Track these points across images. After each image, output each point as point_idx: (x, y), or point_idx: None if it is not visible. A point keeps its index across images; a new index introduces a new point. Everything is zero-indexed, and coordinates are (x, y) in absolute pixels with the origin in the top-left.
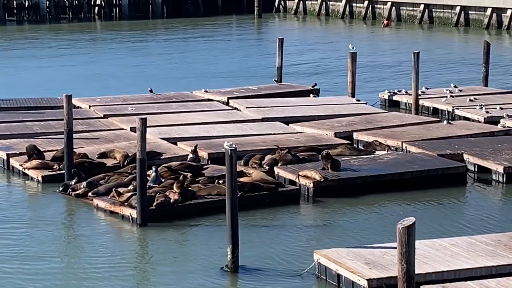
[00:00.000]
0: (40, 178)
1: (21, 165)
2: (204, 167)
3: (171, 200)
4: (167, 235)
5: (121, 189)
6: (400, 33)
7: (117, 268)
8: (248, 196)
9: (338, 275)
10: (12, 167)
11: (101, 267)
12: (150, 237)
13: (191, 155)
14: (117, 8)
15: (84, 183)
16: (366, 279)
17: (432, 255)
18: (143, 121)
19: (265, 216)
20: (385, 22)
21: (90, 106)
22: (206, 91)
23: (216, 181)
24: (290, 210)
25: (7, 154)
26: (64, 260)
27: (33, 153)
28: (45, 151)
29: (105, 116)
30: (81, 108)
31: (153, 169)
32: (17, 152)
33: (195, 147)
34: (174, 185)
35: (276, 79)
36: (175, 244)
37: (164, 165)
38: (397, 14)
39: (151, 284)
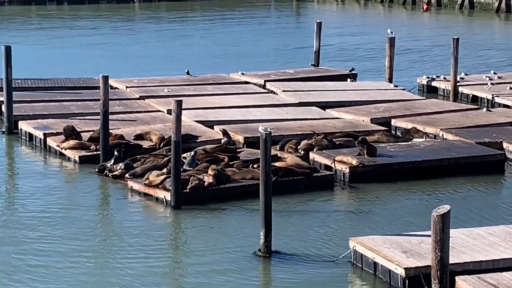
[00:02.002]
0: (77, 158)
1: (58, 145)
2: (238, 150)
3: (205, 183)
4: (200, 218)
5: (154, 173)
6: (440, 18)
7: (150, 251)
8: (282, 181)
9: (375, 263)
10: (49, 146)
11: (134, 249)
12: (184, 220)
13: (225, 139)
14: None
15: (121, 164)
16: (404, 268)
17: (470, 244)
18: (179, 103)
19: (299, 201)
20: (425, 7)
21: (126, 87)
22: (243, 74)
23: (250, 165)
24: (324, 196)
25: (44, 134)
26: (97, 242)
27: (71, 133)
28: (82, 132)
29: (141, 98)
30: (118, 89)
31: (192, 152)
32: (54, 132)
33: (225, 130)
34: (209, 168)
35: (313, 63)
36: (208, 228)
37: (199, 148)
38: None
39: (184, 267)
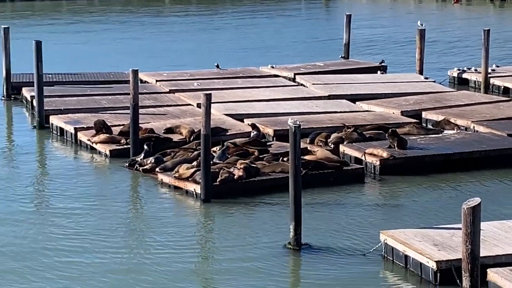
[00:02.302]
0: (108, 152)
1: (88, 139)
2: (268, 143)
3: (235, 177)
4: (230, 211)
5: (184, 166)
6: (471, 10)
7: (180, 244)
8: (312, 174)
9: (406, 256)
10: (80, 141)
11: (164, 243)
12: (213, 213)
13: (254, 132)
14: None
15: (152, 158)
16: (435, 261)
17: (502, 237)
18: (208, 97)
19: (329, 195)
20: None
21: (156, 81)
22: (273, 67)
23: (280, 159)
24: (354, 189)
25: (75, 128)
26: (127, 235)
27: (102, 127)
28: (112, 126)
29: (171, 91)
30: (148, 82)
31: (222, 145)
32: (85, 126)
33: (253, 124)
34: (238, 162)
35: (343, 56)
36: (238, 221)
37: (229, 141)
38: None
39: (213, 260)
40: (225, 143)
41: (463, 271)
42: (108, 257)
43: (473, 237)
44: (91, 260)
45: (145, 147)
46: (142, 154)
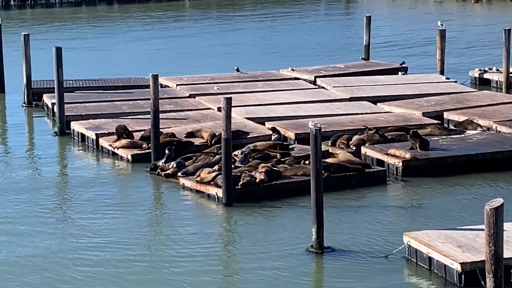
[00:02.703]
0: (129, 157)
1: (110, 145)
2: (290, 147)
3: (257, 180)
4: (252, 215)
5: (206, 170)
6: (491, 10)
7: (202, 247)
8: (334, 177)
9: (430, 258)
10: (102, 146)
11: (187, 246)
12: (235, 216)
13: (275, 135)
14: None
15: (173, 163)
16: (460, 263)
17: None
18: (228, 101)
19: (352, 197)
20: None
21: (177, 85)
22: (293, 70)
23: (302, 162)
24: (377, 191)
25: (96, 134)
26: (150, 239)
27: (123, 132)
28: (134, 131)
29: (191, 96)
30: (168, 87)
31: (245, 149)
32: (106, 132)
33: (274, 127)
34: (260, 165)
35: (363, 57)
36: (261, 224)
37: (250, 145)
38: None
39: (236, 264)
40: (246, 147)
41: (486, 273)
42: (131, 262)
43: (496, 238)
44: (115, 265)
45: (167, 151)
46: (164, 159)
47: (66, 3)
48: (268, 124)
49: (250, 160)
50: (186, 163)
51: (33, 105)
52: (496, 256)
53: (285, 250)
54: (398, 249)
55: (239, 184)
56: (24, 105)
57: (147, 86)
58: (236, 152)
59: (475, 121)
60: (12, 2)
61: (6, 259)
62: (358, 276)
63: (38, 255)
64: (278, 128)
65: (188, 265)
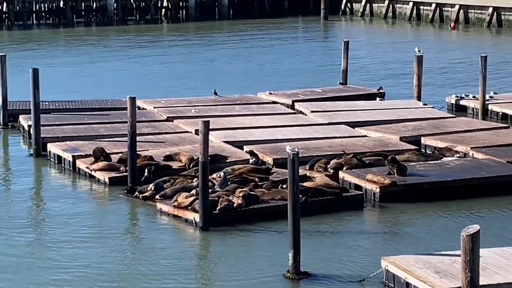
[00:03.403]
0: (107, 180)
1: (87, 167)
2: (268, 168)
3: (235, 205)
4: (229, 239)
5: (183, 194)
6: (468, 36)
7: (178, 273)
8: (312, 201)
9: (407, 284)
10: (78, 168)
11: (161, 271)
12: (212, 241)
13: (253, 159)
14: (184, 10)
15: (151, 185)
16: None
17: (503, 264)
18: (206, 124)
19: (329, 222)
20: (452, 24)
21: (154, 108)
22: (271, 93)
23: (280, 186)
24: (354, 216)
25: (73, 156)
26: (125, 263)
27: (101, 155)
28: (111, 153)
29: (169, 119)
30: (146, 109)
31: (223, 172)
32: (83, 154)
33: (251, 151)
34: (237, 190)
35: (341, 82)
36: (237, 249)
37: (227, 168)
38: (465, 17)
39: None
40: (224, 169)
41: None
42: (105, 286)
43: (472, 264)
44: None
45: (146, 173)
46: (142, 179)
47: (44, 25)
48: (246, 148)
49: (229, 183)
50: (164, 186)
51: (9, 126)
52: (472, 283)
53: (262, 275)
54: (374, 274)
55: (217, 208)
56: None
57: (124, 109)
58: (214, 176)
59: (453, 149)
60: None
61: None
62: None
63: (6, 278)
64: (255, 151)
65: None
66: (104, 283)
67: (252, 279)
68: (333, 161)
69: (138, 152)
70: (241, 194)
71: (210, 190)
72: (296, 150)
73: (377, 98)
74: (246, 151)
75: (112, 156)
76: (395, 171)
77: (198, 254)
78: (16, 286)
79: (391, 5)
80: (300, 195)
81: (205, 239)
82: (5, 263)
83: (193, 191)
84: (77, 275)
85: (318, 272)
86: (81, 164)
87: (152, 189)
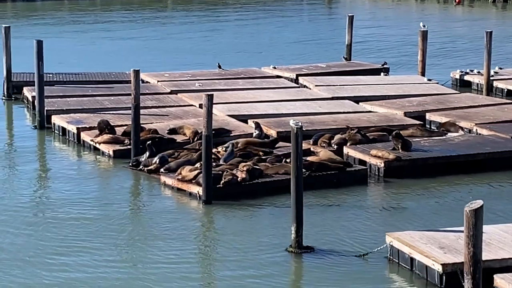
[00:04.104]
0: (111, 153)
1: (92, 140)
2: (271, 140)
3: (239, 179)
4: (232, 213)
5: (187, 168)
6: (473, 12)
7: (181, 246)
8: (315, 176)
9: (411, 259)
10: (83, 141)
11: (165, 245)
12: (215, 215)
13: (256, 132)
14: None
15: (156, 159)
16: (441, 264)
17: (508, 240)
18: (210, 98)
19: (333, 196)
20: (457, 0)
21: (158, 81)
22: (275, 68)
23: (283, 160)
24: (358, 191)
25: (78, 128)
26: (128, 237)
27: (105, 127)
28: (116, 126)
29: (172, 92)
30: (149, 83)
31: (230, 144)
32: (87, 126)
33: (257, 123)
34: (241, 164)
35: (345, 57)
36: (241, 223)
37: (232, 141)
38: None
39: (213, 263)
40: (229, 142)
41: (465, 274)
42: (109, 257)
43: (475, 240)
44: (92, 260)
45: (148, 148)
46: (147, 153)
47: None
48: (251, 122)
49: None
50: (169, 159)
51: (13, 98)
52: (475, 258)
53: (264, 249)
54: (378, 249)
55: (221, 182)
56: (3, 98)
57: (128, 81)
58: (219, 149)
59: (457, 123)
60: None
61: None
62: (338, 276)
63: (12, 251)
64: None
65: (165, 264)
66: (106, 256)
67: (254, 253)
68: (337, 137)
69: (142, 125)
70: (245, 168)
71: (214, 164)
72: (300, 124)
73: (381, 73)
74: (252, 121)
75: (116, 128)
76: (399, 147)
77: (201, 228)
78: (19, 251)
79: None
80: (304, 170)
81: (208, 213)
82: (8, 235)
83: (197, 165)
84: (78, 247)
85: (321, 246)
86: (85, 136)
87: (157, 162)
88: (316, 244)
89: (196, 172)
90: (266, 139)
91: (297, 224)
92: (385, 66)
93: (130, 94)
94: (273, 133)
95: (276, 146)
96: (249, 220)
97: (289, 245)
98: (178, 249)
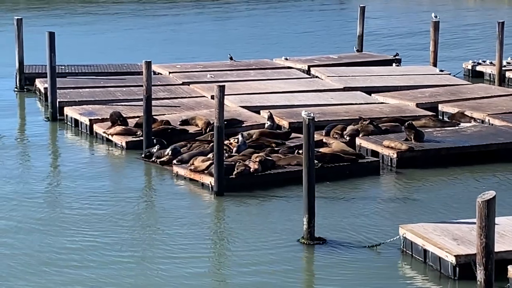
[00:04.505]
0: (124, 144)
1: (104, 132)
2: (283, 131)
3: (251, 170)
4: (245, 204)
5: (199, 158)
6: (485, 3)
7: (192, 237)
8: (328, 167)
9: (425, 251)
10: (96, 133)
11: (177, 235)
12: (228, 206)
13: (268, 123)
14: None
15: (169, 150)
16: (454, 255)
17: None
18: (221, 89)
19: (345, 188)
20: None
21: (169, 73)
22: (287, 59)
23: (296, 151)
24: (371, 182)
25: (90, 120)
26: (140, 227)
27: (118, 119)
28: (128, 117)
29: (184, 83)
30: (161, 74)
31: (240, 135)
32: (100, 118)
33: (271, 113)
34: (253, 155)
35: (357, 48)
36: (253, 214)
37: (243, 132)
38: None
39: (225, 255)
40: (240, 134)
41: (477, 265)
42: (121, 247)
43: (487, 231)
44: (104, 251)
45: (157, 142)
46: (158, 146)
47: None
48: (263, 113)
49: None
50: (181, 150)
51: (25, 90)
52: (487, 249)
53: (276, 241)
54: (391, 240)
55: (234, 173)
56: (16, 89)
57: (140, 73)
58: (231, 140)
59: (467, 113)
60: None
61: None
62: (351, 267)
63: (25, 246)
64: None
65: (177, 255)
66: (119, 246)
67: (266, 244)
68: (349, 128)
69: (154, 117)
70: (257, 159)
71: (226, 155)
72: (312, 115)
73: (393, 64)
74: (266, 112)
75: (129, 120)
76: (412, 137)
77: (213, 219)
78: (32, 245)
79: None
80: (317, 161)
81: (220, 204)
82: (22, 223)
83: (210, 155)
84: (91, 238)
85: (333, 238)
86: (98, 128)
87: (170, 153)
88: (329, 236)
89: (208, 162)
90: (278, 130)
91: (309, 215)
92: (397, 57)
93: (142, 86)
94: (285, 124)
95: (289, 137)
96: (261, 211)
97: (301, 236)
98: (189, 241)
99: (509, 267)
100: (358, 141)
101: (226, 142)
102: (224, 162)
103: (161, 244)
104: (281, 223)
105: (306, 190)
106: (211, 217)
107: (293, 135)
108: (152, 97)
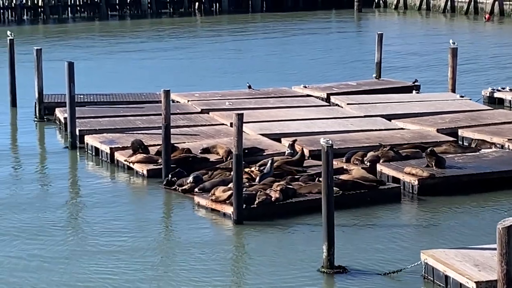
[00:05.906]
0: (145, 172)
1: (125, 160)
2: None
3: (272, 199)
4: (265, 233)
5: (220, 188)
6: (503, 28)
7: (212, 267)
8: (348, 194)
9: (446, 277)
10: (117, 161)
11: (197, 265)
12: (247, 235)
13: (288, 150)
14: (217, 3)
15: (190, 178)
16: (475, 282)
17: None
18: (240, 117)
19: (366, 215)
20: (487, 16)
21: (188, 101)
22: (305, 87)
23: (316, 179)
24: (392, 209)
25: (111, 148)
26: (161, 255)
27: (139, 147)
28: (148, 146)
29: (203, 111)
30: (179, 102)
31: (270, 161)
32: (120, 146)
33: (293, 141)
34: (275, 184)
35: (375, 75)
36: (273, 243)
37: (267, 159)
38: (500, 9)
39: (245, 284)
40: (262, 161)
41: None
42: (141, 276)
43: (508, 257)
44: (124, 284)
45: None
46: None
47: (79, 18)
48: (285, 141)
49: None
50: (203, 178)
51: (45, 119)
52: (508, 276)
53: (296, 270)
54: (412, 265)
55: (255, 202)
56: (35, 119)
57: (158, 102)
58: (253, 168)
59: (486, 139)
60: (25, 17)
61: (12, 279)
62: None
63: (43, 276)
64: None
65: (196, 285)
66: (140, 274)
67: (285, 273)
68: (369, 154)
69: (175, 145)
70: (278, 188)
71: (248, 183)
72: (330, 142)
73: (414, 91)
74: (289, 141)
75: (149, 148)
76: (433, 164)
77: (232, 248)
78: (57, 275)
79: None
80: (337, 188)
81: (240, 233)
82: (44, 253)
83: (231, 185)
84: (113, 265)
85: (354, 266)
86: (119, 156)
87: (191, 181)
88: (349, 264)
89: (229, 192)
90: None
91: (329, 243)
92: (415, 83)
93: (161, 114)
94: (305, 151)
95: (305, 164)
96: (282, 239)
97: (321, 265)
98: (210, 269)
99: None
100: (379, 167)
101: (247, 170)
102: (246, 191)
103: (182, 271)
104: (301, 252)
105: (325, 217)
106: (231, 246)
107: (312, 162)
108: (172, 125)
